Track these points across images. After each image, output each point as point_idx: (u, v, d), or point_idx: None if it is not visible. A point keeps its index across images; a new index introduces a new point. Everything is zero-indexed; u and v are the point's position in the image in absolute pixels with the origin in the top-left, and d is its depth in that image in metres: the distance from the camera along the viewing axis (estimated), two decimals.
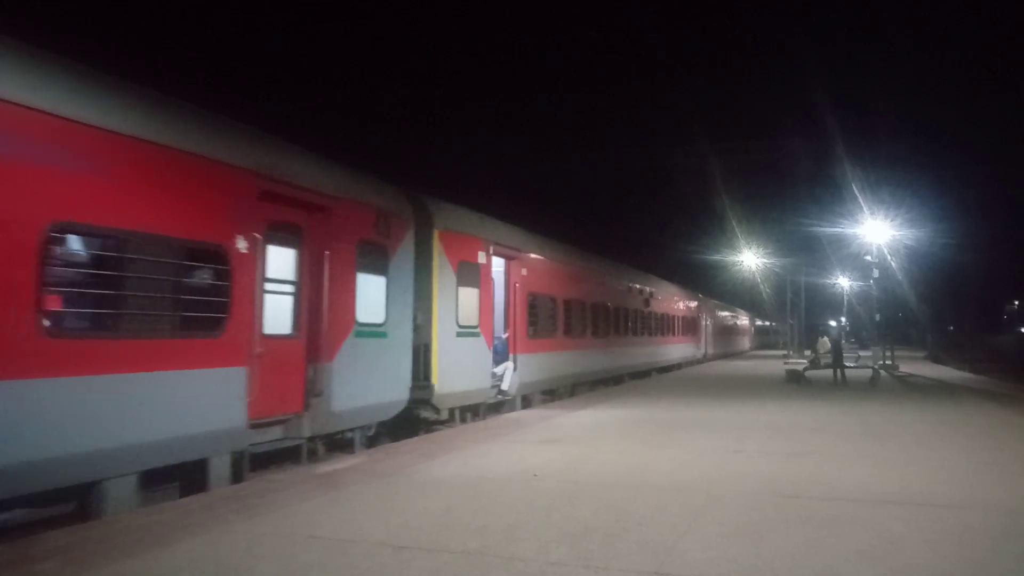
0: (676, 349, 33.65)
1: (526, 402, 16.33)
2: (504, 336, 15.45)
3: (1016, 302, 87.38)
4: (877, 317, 34.85)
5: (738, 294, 60.55)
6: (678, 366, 33.46)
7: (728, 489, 7.30)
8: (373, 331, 10.41)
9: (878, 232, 31.74)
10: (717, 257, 51.63)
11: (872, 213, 31.08)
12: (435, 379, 12.00)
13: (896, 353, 32.97)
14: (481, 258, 13.95)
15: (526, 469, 8.28)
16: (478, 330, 13.71)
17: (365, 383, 10.11)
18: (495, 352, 14.61)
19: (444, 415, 12.44)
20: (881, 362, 29.06)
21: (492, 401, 14.55)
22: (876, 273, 33.06)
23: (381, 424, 10.96)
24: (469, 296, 13.47)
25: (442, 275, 12.49)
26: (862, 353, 32.49)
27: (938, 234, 39.33)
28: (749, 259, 51.25)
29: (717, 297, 52.43)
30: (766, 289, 59.38)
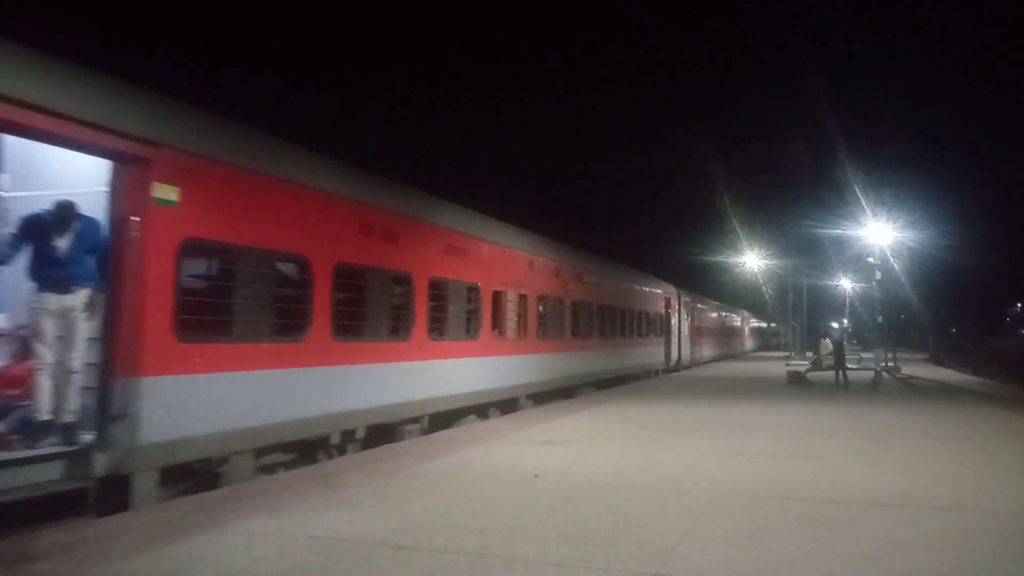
0: (627, 354, 24.53)
1: (198, 481, 7.71)
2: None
3: (1019, 304, 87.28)
4: (879, 319, 34.82)
5: (740, 295, 60.52)
6: (634, 376, 25.07)
7: (729, 491, 7.27)
8: None
9: (880, 234, 31.73)
10: (719, 258, 51.69)
11: (874, 215, 31.10)
12: None
13: (898, 355, 32.93)
14: None
15: (526, 470, 8.27)
16: None
17: None
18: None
19: None
20: (883, 364, 29.01)
21: None
22: (878, 275, 33.06)
23: None
24: None
25: None
26: (864, 355, 32.43)
27: (940, 236, 39.32)
28: (751, 260, 51.26)
29: (704, 292, 47.19)
30: (768, 290, 59.42)
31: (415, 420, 11.64)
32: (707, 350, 40.97)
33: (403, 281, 11.34)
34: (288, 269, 9.18)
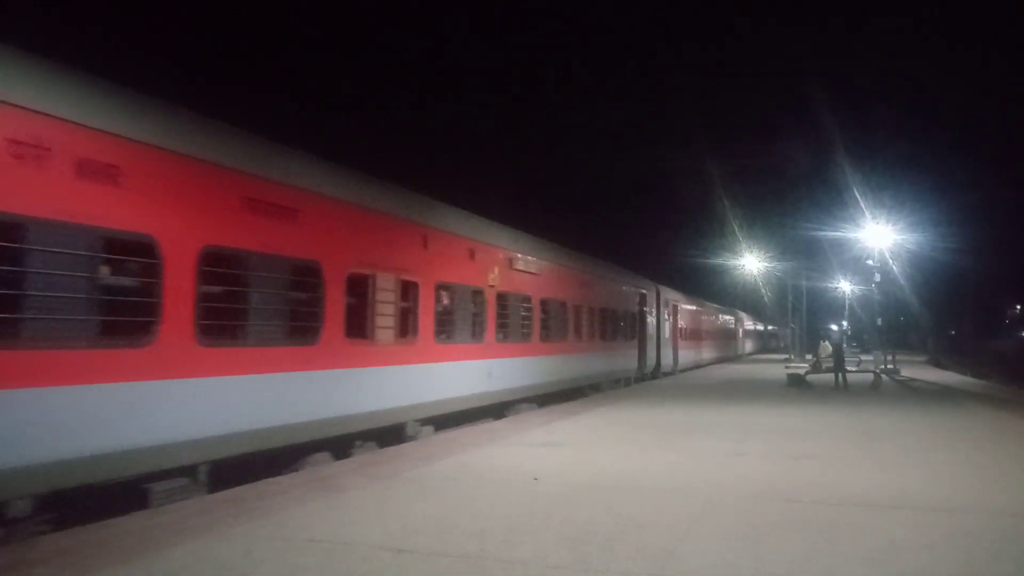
0: (584, 360, 20.02)
1: None
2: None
3: (1018, 306, 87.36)
4: (879, 321, 34.81)
5: (739, 297, 60.59)
6: (594, 387, 21.01)
7: (728, 493, 7.27)
8: None
9: (879, 236, 31.76)
10: (719, 261, 51.77)
11: (874, 217, 31.14)
12: None
13: (897, 357, 32.94)
14: None
15: (526, 472, 8.27)
16: None
17: None
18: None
19: None
20: (883, 366, 29.03)
21: None
22: (878, 277, 33.04)
23: None
24: None
25: None
26: (864, 357, 32.44)
27: (939, 238, 39.48)
28: (750, 262, 51.33)
29: (701, 293, 44.64)
30: (767, 292, 59.47)
31: (177, 472, 7.44)
32: (695, 354, 37.08)
33: (137, 249, 7.04)
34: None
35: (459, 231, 13.50)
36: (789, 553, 5.30)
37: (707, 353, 41.38)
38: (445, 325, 12.59)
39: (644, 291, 27.05)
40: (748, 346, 64.74)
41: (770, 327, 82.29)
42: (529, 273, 16.40)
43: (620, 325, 23.84)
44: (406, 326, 11.35)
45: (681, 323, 33.57)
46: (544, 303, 17.18)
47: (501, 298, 14.78)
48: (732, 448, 10.15)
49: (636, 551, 5.33)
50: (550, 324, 17.57)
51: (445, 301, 12.72)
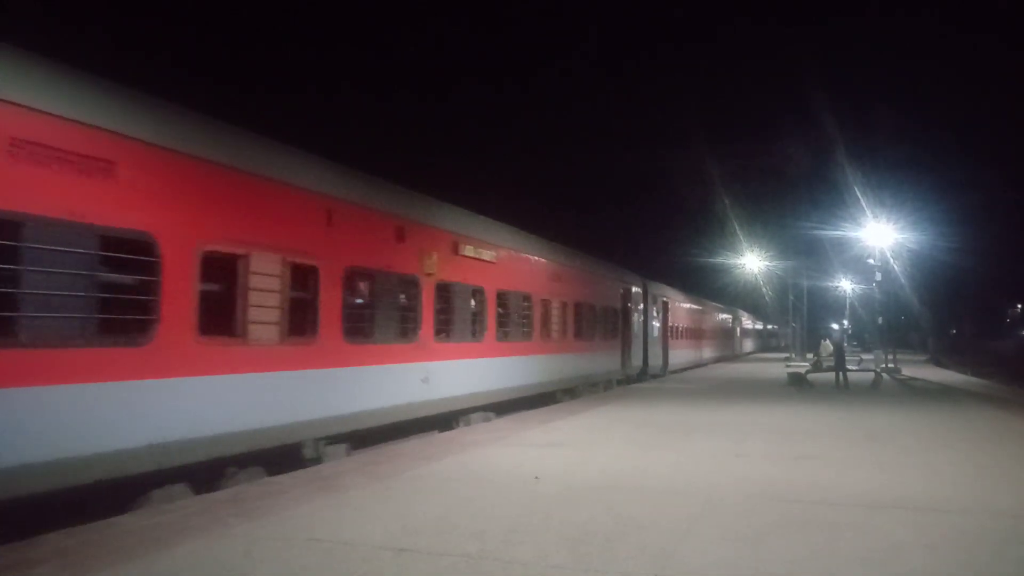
0: (556, 361, 17.72)
1: None
2: None
3: (1019, 306, 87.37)
4: (879, 320, 34.81)
5: (740, 296, 60.63)
6: (570, 391, 18.91)
7: (728, 493, 7.27)
8: None
9: (880, 235, 31.76)
10: (719, 260, 51.80)
11: (874, 216, 31.15)
12: None
13: (898, 356, 32.96)
14: None
15: (526, 472, 8.26)
16: None
17: None
18: None
19: None
20: (883, 365, 29.03)
21: None
22: (878, 276, 33.06)
23: None
24: None
25: None
26: (864, 356, 32.45)
27: (940, 238, 39.54)
28: (751, 262, 51.34)
29: (702, 292, 44.21)
30: (768, 291, 59.50)
31: None
32: (689, 354, 35.33)
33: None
34: None
35: (381, 206, 11.09)
36: (789, 553, 5.29)
37: (702, 353, 39.77)
38: (359, 321, 10.31)
39: (630, 286, 24.93)
40: (747, 345, 64.21)
41: (770, 326, 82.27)
42: (482, 261, 14.00)
43: (600, 323, 21.55)
44: (301, 321, 9.12)
45: (672, 321, 31.71)
46: (502, 296, 14.82)
47: (442, 289, 12.41)
48: (732, 448, 10.14)
49: (636, 551, 5.33)
50: (510, 321, 15.17)
51: (360, 291, 10.56)
